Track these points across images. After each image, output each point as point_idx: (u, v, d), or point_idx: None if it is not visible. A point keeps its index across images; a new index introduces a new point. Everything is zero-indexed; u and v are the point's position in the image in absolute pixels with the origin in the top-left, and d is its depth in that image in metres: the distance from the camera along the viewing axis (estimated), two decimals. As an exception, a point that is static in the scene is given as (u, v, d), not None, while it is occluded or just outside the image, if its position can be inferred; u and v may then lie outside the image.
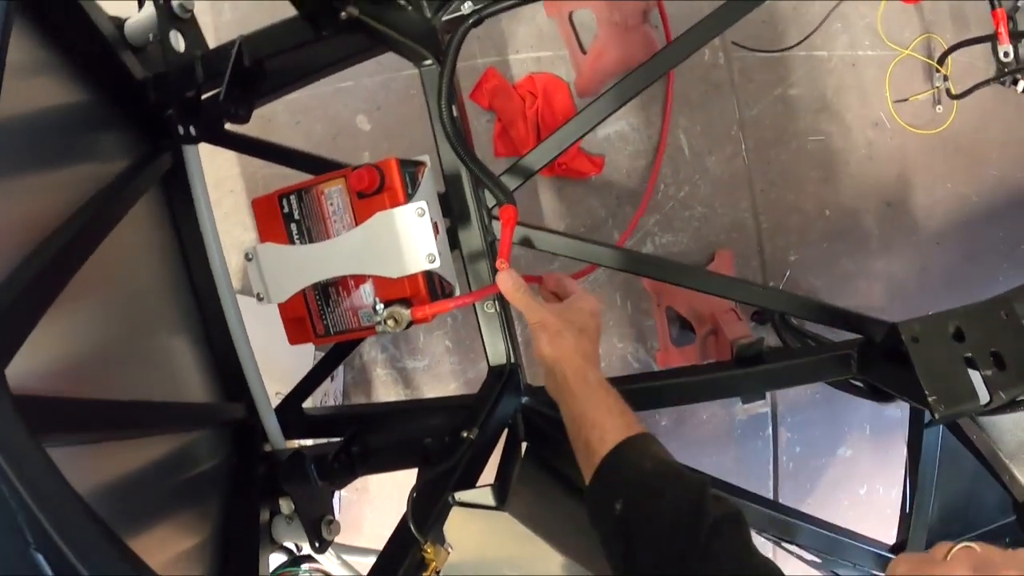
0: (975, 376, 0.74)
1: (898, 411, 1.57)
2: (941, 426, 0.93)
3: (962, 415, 0.79)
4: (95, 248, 0.67)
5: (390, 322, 0.78)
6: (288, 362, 1.29)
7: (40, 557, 0.40)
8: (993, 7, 1.44)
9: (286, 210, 0.85)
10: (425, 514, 0.75)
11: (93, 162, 0.78)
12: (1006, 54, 1.46)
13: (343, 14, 0.78)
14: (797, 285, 1.66)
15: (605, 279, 1.66)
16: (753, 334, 1.45)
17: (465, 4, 0.83)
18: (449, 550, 0.75)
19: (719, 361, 1.45)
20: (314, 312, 0.86)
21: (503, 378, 0.93)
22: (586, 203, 1.62)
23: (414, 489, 0.75)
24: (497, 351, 0.95)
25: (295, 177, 0.96)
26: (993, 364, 0.74)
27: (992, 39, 1.47)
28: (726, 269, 1.61)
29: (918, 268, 1.69)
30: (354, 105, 1.60)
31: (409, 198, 0.80)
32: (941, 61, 1.57)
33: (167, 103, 0.85)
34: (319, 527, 0.89)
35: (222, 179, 1.63)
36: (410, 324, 0.79)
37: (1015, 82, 1.50)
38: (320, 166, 1.03)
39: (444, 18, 0.84)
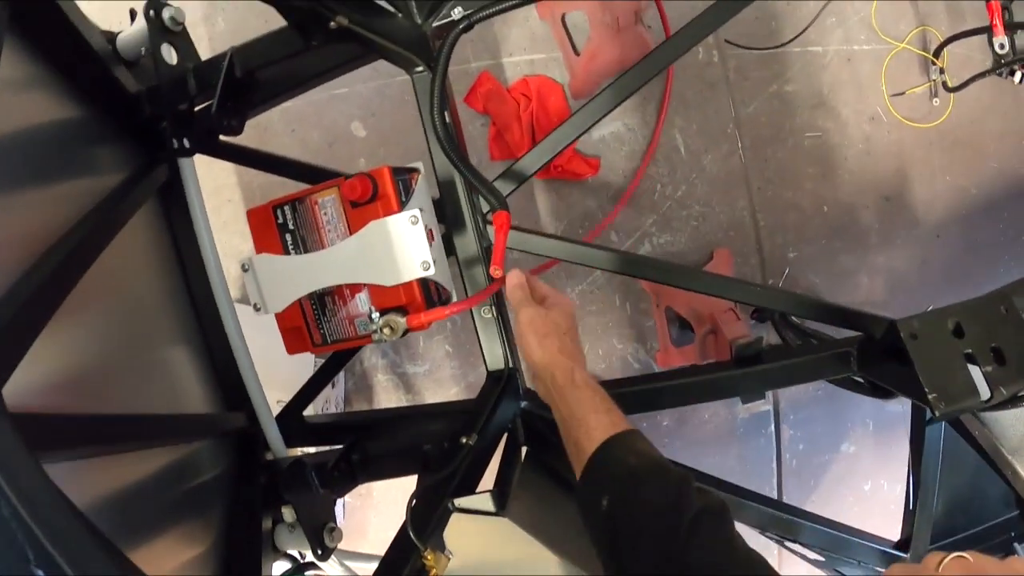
0: (975, 372, 0.74)
1: (900, 406, 1.57)
2: (943, 422, 0.93)
3: (963, 412, 0.79)
4: (93, 261, 0.68)
5: (386, 330, 0.78)
6: (288, 370, 1.29)
7: (41, 573, 0.40)
8: (987, -2, 1.44)
9: (280, 220, 0.85)
10: (425, 521, 0.75)
11: (90, 176, 0.79)
12: (1002, 46, 1.46)
13: (332, 23, 0.78)
14: (796, 282, 1.66)
15: (604, 280, 1.66)
16: (752, 333, 1.45)
17: (455, 9, 0.83)
18: (449, 556, 0.75)
19: (718, 361, 1.45)
20: (311, 321, 0.87)
21: (502, 383, 0.93)
22: (583, 205, 1.62)
23: (414, 496, 0.76)
24: (495, 356, 0.95)
25: (294, 185, 0.97)
26: (993, 360, 0.74)
27: (987, 31, 1.47)
28: (725, 268, 1.61)
29: (919, 262, 1.68)
30: (349, 112, 1.61)
31: (403, 206, 0.81)
32: (937, 54, 1.57)
33: (161, 116, 0.86)
34: (321, 534, 0.89)
35: (220, 188, 1.63)
36: (406, 332, 0.79)
37: (1012, 73, 1.50)
38: (314, 175, 1.03)
39: (434, 24, 0.85)
